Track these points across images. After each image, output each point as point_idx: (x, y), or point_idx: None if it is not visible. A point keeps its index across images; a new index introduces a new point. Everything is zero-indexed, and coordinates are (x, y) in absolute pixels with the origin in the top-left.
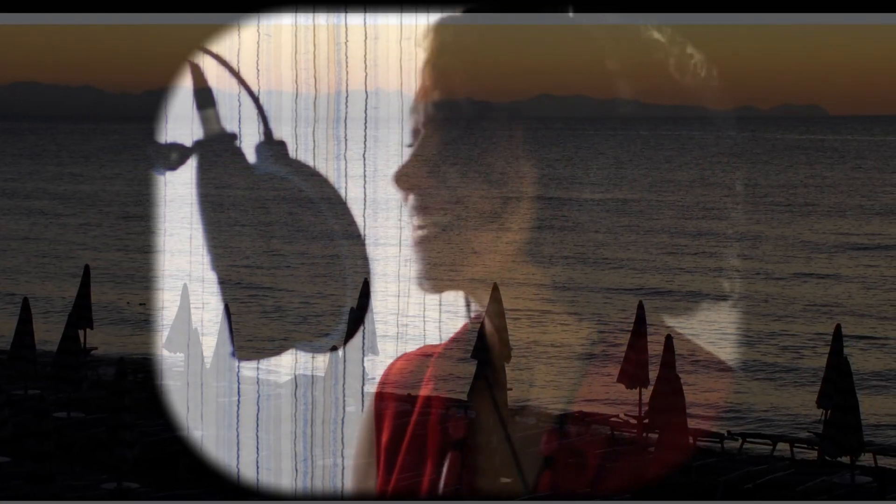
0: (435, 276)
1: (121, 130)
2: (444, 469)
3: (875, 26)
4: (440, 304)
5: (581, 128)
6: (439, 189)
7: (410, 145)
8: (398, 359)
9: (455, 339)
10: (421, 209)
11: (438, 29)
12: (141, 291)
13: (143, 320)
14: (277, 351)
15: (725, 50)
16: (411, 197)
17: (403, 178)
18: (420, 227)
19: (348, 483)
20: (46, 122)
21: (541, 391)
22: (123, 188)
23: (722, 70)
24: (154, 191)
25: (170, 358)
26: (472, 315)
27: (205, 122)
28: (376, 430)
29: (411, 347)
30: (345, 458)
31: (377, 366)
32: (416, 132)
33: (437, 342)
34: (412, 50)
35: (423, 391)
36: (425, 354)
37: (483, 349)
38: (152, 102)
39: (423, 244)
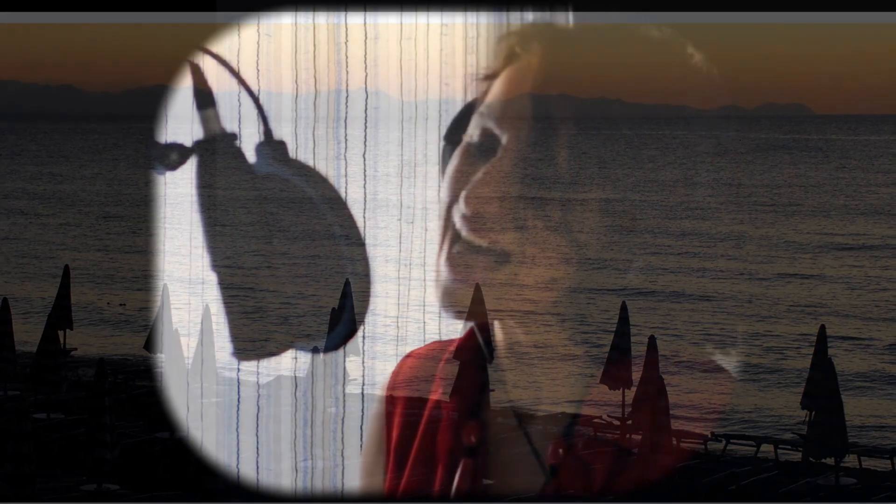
0: (462, 306)
1: (101, 130)
2: (457, 476)
3: (861, 25)
4: (440, 307)
5: (565, 127)
6: (508, 220)
7: (479, 149)
8: (406, 357)
9: (467, 337)
10: (481, 236)
11: (523, 29)
12: (121, 292)
13: (124, 321)
14: (263, 352)
15: (710, 48)
16: (475, 216)
17: (474, 197)
18: (467, 248)
19: (353, 482)
20: (26, 121)
21: (523, 392)
22: (103, 188)
23: (706, 68)
24: (134, 191)
25: (156, 359)
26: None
27: (205, 122)
28: (385, 431)
29: (409, 349)
30: (320, 459)
31: (360, 367)
32: (491, 139)
33: (446, 338)
34: (412, 50)
35: (434, 393)
36: (435, 351)
37: (465, 350)
38: (133, 102)
39: (465, 271)
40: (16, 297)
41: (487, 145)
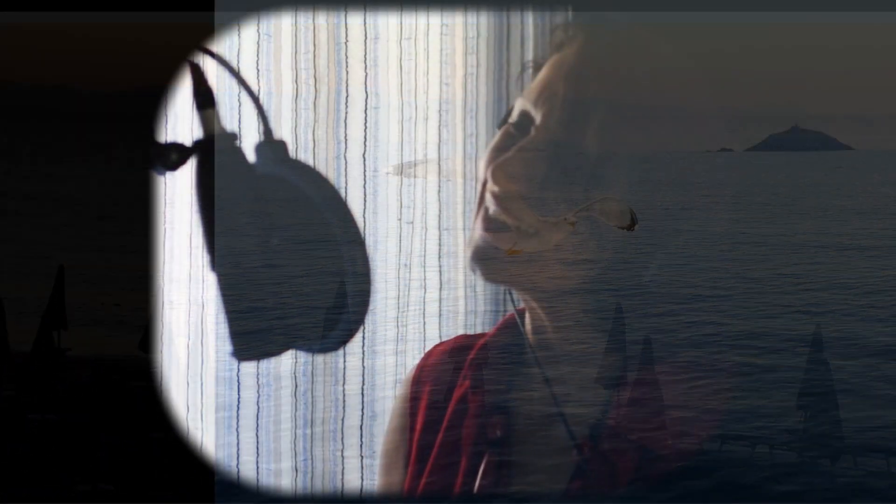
0: (490, 265)
1: (95, 130)
2: (481, 470)
3: (861, 25)
4: (439, 304)
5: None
6: (532, 199)
7: (516, 129)
8: (432, 352)
9: (496, 332)
10: (507, 211)
11: (570, 27)
12: (116, 292)
13: (119, 321)
14: (260, 352)
15: (707, 48)
16: (502, 192)
17: (501, 172)
18: (497, 222)
19: (375, 479)
20: (20, 121)
21: (519, 393)
22: (98, 188)
23: (702, 68)
24: (129, 191)
25: (152, 359)
26: (514, 309)
27: (205, 122)
28: (409, 426)
29: (408, 348)
30: (312, 460)
31: (358, 366)
32: (526, 120)
33: (474, 332)
34: (412, 50)
35: (459, 389)
36: (461, 346)
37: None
38: (129, 102)
39: (494, 233)
40: (10, 298)
41: (523, 125)
